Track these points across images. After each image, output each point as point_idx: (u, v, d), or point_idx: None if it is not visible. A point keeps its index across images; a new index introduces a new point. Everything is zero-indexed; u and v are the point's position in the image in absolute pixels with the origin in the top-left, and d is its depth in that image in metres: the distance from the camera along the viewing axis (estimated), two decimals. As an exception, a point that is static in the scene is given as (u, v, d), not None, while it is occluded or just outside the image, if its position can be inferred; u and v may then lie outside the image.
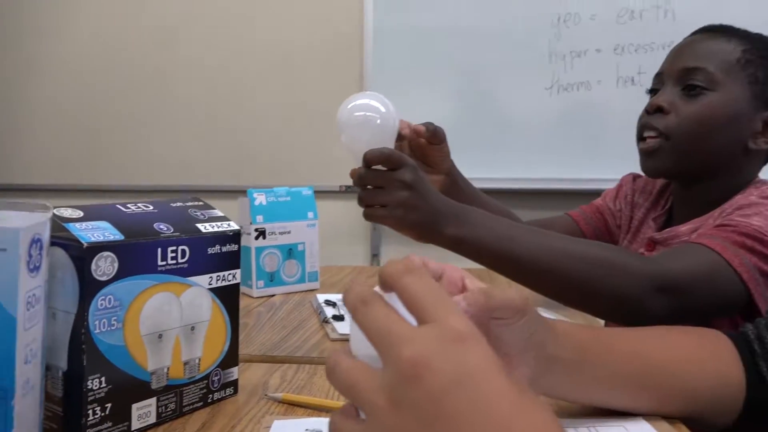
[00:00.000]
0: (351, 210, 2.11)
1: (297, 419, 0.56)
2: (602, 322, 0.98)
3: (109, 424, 0.51)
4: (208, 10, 2.25)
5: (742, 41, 0.89)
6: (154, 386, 0.55)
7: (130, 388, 0.53)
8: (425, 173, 0.89)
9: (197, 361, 0.59)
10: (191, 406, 0.58)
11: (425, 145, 0.91)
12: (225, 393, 0.62)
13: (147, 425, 0.54)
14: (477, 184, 1.02)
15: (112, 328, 0.51)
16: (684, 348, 0.57)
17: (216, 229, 0.61)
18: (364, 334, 0.34)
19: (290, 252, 1.11)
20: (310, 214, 1.14)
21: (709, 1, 1.86)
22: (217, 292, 0.60)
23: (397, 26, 2.06)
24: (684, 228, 0.90)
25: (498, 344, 0.47)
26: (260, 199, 1.09)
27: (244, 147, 2.26)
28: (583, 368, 0.52)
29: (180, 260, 0.57)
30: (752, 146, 0.88)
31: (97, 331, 0.50)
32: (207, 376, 0.60)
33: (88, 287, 0.49)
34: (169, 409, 0.56)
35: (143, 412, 0.54)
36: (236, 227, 0.63)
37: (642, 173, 0.95)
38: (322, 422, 0.56)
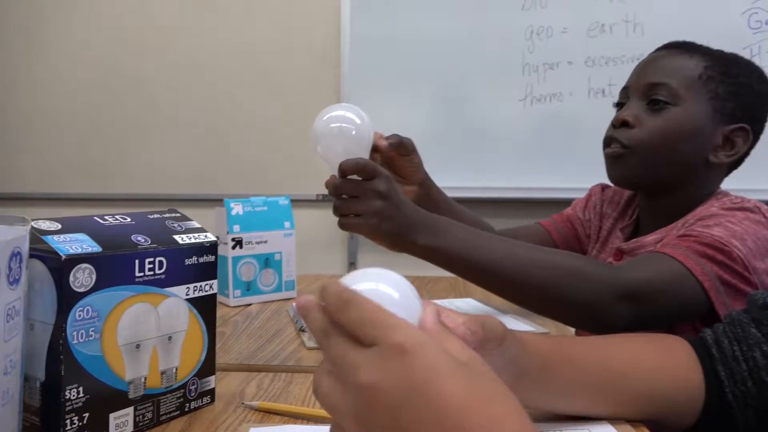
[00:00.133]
0: (328, 219, 2.10)
1: (274, 427, 0.58)
2: (572, 329, 1.01)
3: (87, 433, 0.52)
4: (186, 21, 2.26)
5: (704, 58, 0.92)
6: (131, 396, 0.56)
7: (108, 397, 0.54)
8: (399, 184, 0.91)
9: (174, 370, 0.60)
10: (168, 415, 0.59)
11: (395, 157, 0.93)
12: (202, 402, 0.63)
13: (124, 434, 0.55)
14: (452, 194, 1.04)
15: (90, 338, 0.52)
16: (644, 354, 0.60)
17: (193, 241, 0.62)
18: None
19: (267, 261, 1.12)
20: (287, 224, 1.15)
21: (675, 16, 1.91)
22: (194, 302, 0.61)
23: (374, 37, 2.09)
24: (649, 238, 0.93)
25: None
26: (237, 208, 1.10)
27: (221, 156, 2.26)
28: (546, 378, 0.54)
29: (157, 271, 0.58)
30: (713, 159, 0.91)
31: (75, 341, 0.51)
32: (184, 385, 0.61)
33: (67, 299, 0.50)
34: (146, 419, 0.57)
35: (121, 421, 0.55)
36: (213, 238, 0.64)
37: (610, 183, 0.99)
38: (299, 429, 0.58)
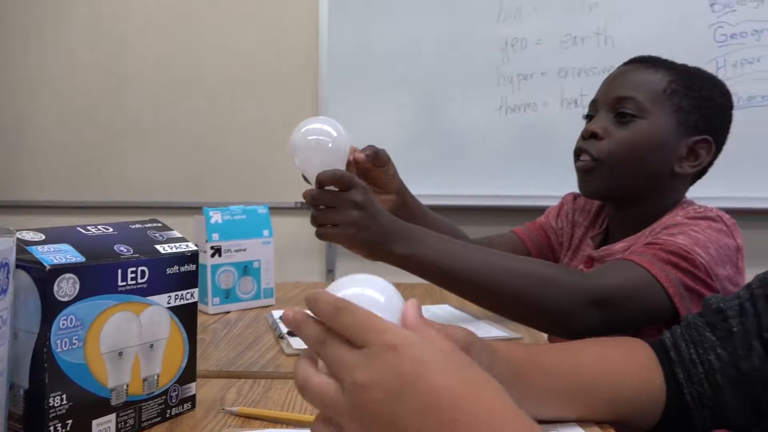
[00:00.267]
0: (306, 226, 2.11)
1: (254, 431, 0.59)
2: (545, 335, 1.04)
3: (70, 440, 0.53)
4: (164, 30, 2.26)
5: (668, 72, 0.96)
6: (113, 402, 0.57)
7: (91, 404, 0.55)
8: (376, 194, 0.94)
9: (156, 377, 0.61)
10: (150, 422, 0.60)
11: (371, 168, 0.95)
12: (183, 408, 0.64)
13: (106, 440, 0.56)
14: (429, 201, 1.07)
15: (74, 346, 0.53)
16: (609, 359, 0.63)
17: (174, 250, 0.63)
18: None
19: (246, 269, 1.13)
20: (266, 232, 1.16)
21: (644, 29, 1.97)
22: (175, 310, 0.63)
23: (352, 46, 2.12)
24: (618, 246, 0.97)
25: None
26: (216, 217, 1.11)
27: (200, 164, 2.27)
28: (519, 386, 0.56)
29: (139, 280, 0.59)
30: (678, 170, 0.95)
31: (59, 349, 0.52)
32: (165, 392, 0.62)
33: (51, 308, 0.51)
34: (128, 425, 0.58)
35: (103, 427, 0.56)
36: (194, 248, 0.65)
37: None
38: (278, 434, 0.59)
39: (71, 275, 0.53)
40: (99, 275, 0.55)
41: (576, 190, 1.08)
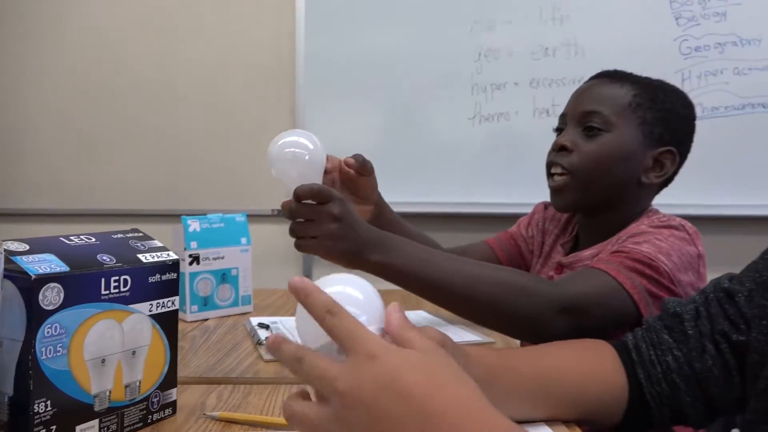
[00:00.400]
0: (283, 233, 2.11)
1: (234, 435, 0.61)
2: (517, 341, 1.07)
3: (54, 445, 0.54)
4: (141, 38, 2.25)
5: (633, 86, 1.00)
6: (96, 408, 0.58)
7: (75, 410, 0.56)
8: (355, 204, 0.97)
9: (138, 383, 0.62)
10: (132, 427, 0.62)
11: (355, 178, 0.98)
12: (164, 413, 0.65)
13: (90, 446, 0.57)
14: (403, 209, 1.10)
15: (58, 354, 0.54)
16: (575, 360, 0.66)
17: (156, 259, 0.65)
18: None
19: (224, 277, 1.15)
20: (244, 240, 1.18)
21: (612, 41, 2.02)
22: (156, 318, 0.64)
23: (328, 54, 2.13)
24: (586, 253, 1.00)
25: None
26: (194, 225, 1.12)
27: (177, 171, 2.26)
28: (489, 386, 0.59)
29: (122, 289, 0.60)
30: (644, 180, 0.99)
31: (44, 357, 0.53)
32: (147, 398, 0.63)
33: (36, 316, 0.53)
34: (111, 430, 0.59)
35: (86, 433, 0.57)
36: (175, 257, 0.67)
37: (552, 202, 1.05)
38: (257, 437, 0.61)
39: (56, 284, 0.54)
40: (83, 284, 0.57)
41: (548, 195, 1.12)
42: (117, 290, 0.60)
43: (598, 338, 0.71)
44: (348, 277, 0.49)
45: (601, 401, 0.64)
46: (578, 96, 1.02)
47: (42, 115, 2.28)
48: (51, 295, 0.54)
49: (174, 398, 0.66)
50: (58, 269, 0.55)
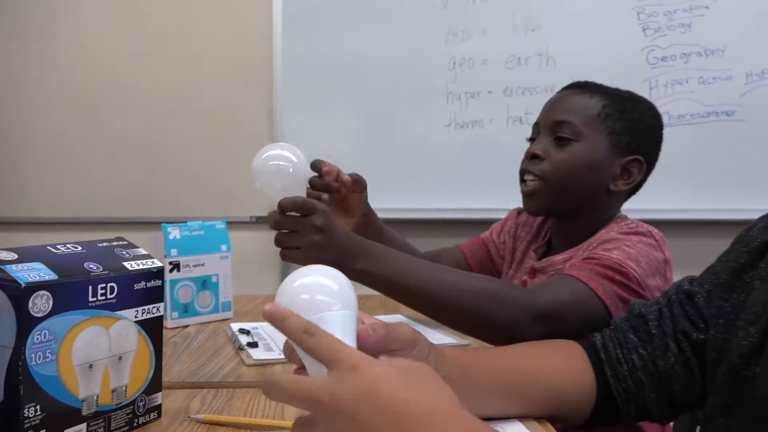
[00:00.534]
0: (262, 239, 2.16)
1: (219, 437, 0.63)
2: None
3: (43, 449, 0.56)
4: (120, 45, 2.25)
5: (602, 97, 1.03)
6: (84, 412, 0.60)
7: (63, 414, 0.58)
8: (342, 215, 1.01)
9: (124, 388, 0.64)
10: (119, 430, 0.63)
11: (349, 193, 1.02)
12: (150, 417, 0.67)
13: (78, 449, 0.59)
14: (380, 215, 1.12)
15: (47, 359, 0.56)
16: (546, 360, 0.69)
17: (141, 267, 0.66)
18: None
19: (204, 283, 1.16)
20: (224, 247, 1.19)
21: (583, 50, 2.08)
22: (142, 324, 0.66)
23: (305, 60, 2.15)
24: (558, 257, 1.04)
25: None
26: (174, 233, 1.13)
27: (156, 179, 2.26)
28: (466, 385, 0.62)
29: (109, 296, 0.62)
30: (613, 188, 1.03)
31: (33, 363, 0.55)
32: (133, 402, 0.65)
33: (26, 323, 0.54)
34: (98, 434, 0.61)
35: (75, 437, 0.59)
36: (159, 264, 0.69)
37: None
38: (242, 438, 0.63)
39: (45, 292, 0.56)
40: (71, 292, 0.58)
41: (521, 201, 1.15)
42: (104, 297, 0.61)
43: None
44: (320, 268, 0.52)
45: (572, 398, 0.68)
46: (550, 106, 1.06)
47: (23, 126, 2.26)
48: (40, 303, 0.55)
49: (159, 402, 0.68)
50: (46, 277, 0.56)
